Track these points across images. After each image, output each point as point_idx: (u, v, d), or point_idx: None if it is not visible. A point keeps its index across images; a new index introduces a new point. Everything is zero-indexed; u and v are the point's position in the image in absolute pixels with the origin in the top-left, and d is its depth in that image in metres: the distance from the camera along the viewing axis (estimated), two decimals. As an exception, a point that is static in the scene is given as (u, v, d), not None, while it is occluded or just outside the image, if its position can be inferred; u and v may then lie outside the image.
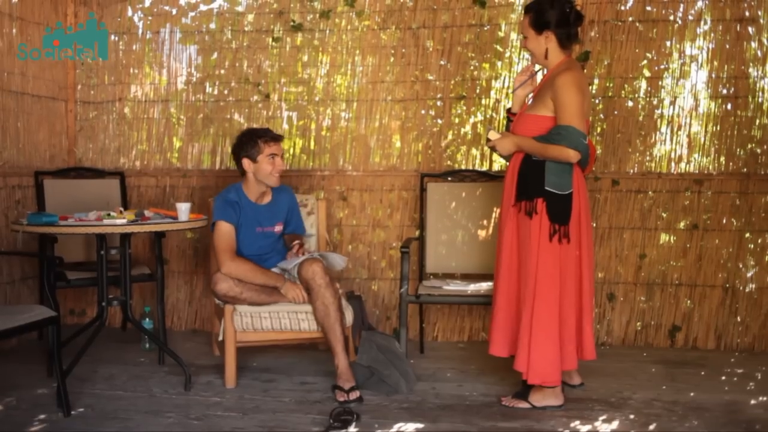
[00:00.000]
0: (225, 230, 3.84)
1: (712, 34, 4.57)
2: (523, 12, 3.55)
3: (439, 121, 4.88)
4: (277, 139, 3.89)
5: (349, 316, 3.86)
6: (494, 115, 4.81)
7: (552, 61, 3.44)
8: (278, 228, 4.04)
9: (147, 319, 4.59)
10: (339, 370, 3.64)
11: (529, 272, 3.37)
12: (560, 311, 3.38)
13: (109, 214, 3.67)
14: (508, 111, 3.72)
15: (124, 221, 3.60)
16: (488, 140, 3.57)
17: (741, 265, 4.59)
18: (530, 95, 3.61)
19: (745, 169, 4.57)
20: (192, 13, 5.07)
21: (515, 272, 3.48)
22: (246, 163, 3.87)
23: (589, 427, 3.28)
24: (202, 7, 5.05)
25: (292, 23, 4.94)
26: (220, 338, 3.83)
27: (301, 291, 3.79)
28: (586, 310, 3.49)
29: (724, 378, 4.02)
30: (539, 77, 3.61)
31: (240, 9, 5.03)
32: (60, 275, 4.26)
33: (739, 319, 4.59)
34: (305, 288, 3.77)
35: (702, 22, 4.58)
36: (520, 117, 3.53)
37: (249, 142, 3.85)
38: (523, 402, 3.49)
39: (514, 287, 3.49)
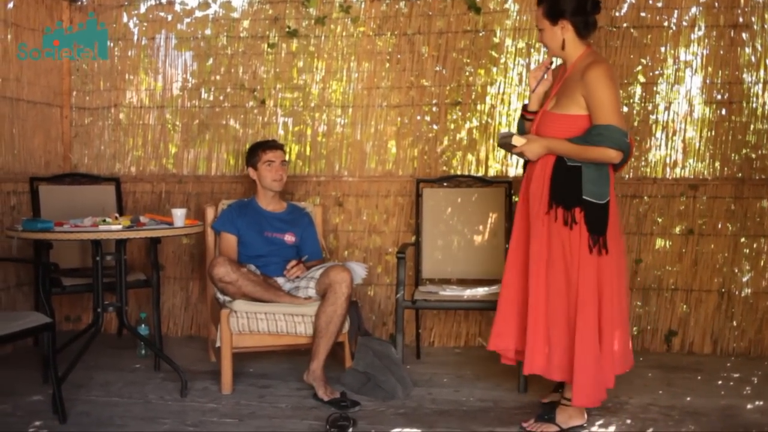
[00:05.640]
0: (223, 239, 4.19)
1: (707, 40, 4.59)
2: (537, 4, 3.33)
3: (435, 127, 4.89)
4: (274, 147, 4.21)
5: (345, 323, 3.86)
6: (489, 120, 4.82)
7: (570, 53, 3.23)
8: (288, 237, 4.20)
9: (143, 326, 4.57)
10: (316, 374, 3.69)
11: (570, 284, 3.17)
12: (600, 325, 3.18)
13: (104, 220, 3.66)
14: (524, 109, 3.45)
15: (119, 227, 3.59)
16: (512, 146, 3.22)
17: (736, 270, 4.60)
18: (549, 90, 3.36)
19: (740, 174, 4.58)
20: (187, 19, 5.07)
21: (543, 283, 3.22)
22: (251, 171, 4.23)
23: (585, 432, 3.29)
24: (198, 14, 5.05)
25: (287, 29, 4.94)
26: (218, 344, 3.83)
27: (300, 299, 3.85)
28: (625, 320, 3.31)
29: (720, 382, 4.03)
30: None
31: (235, 15, 5.03)
32: (55, 281, 4.24)
33: (735, 323, 4.60)
34: (323, 290, 3.80)
35: (696, 28, 4.60)
36: (545, 117, 3.27)
37: (252, 152, 4.24)
38: (551, 425, 3.27)
39: (553, 300, 3.23)
